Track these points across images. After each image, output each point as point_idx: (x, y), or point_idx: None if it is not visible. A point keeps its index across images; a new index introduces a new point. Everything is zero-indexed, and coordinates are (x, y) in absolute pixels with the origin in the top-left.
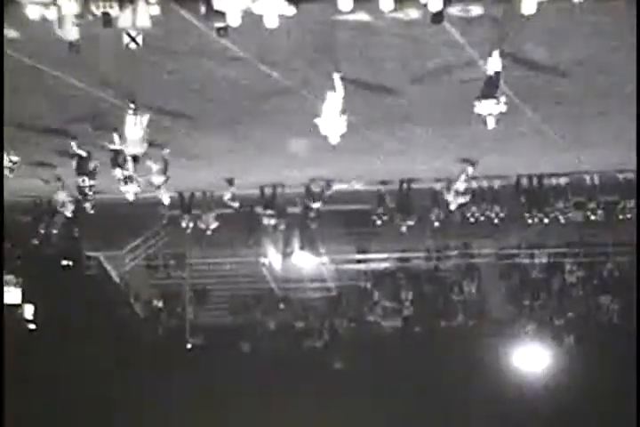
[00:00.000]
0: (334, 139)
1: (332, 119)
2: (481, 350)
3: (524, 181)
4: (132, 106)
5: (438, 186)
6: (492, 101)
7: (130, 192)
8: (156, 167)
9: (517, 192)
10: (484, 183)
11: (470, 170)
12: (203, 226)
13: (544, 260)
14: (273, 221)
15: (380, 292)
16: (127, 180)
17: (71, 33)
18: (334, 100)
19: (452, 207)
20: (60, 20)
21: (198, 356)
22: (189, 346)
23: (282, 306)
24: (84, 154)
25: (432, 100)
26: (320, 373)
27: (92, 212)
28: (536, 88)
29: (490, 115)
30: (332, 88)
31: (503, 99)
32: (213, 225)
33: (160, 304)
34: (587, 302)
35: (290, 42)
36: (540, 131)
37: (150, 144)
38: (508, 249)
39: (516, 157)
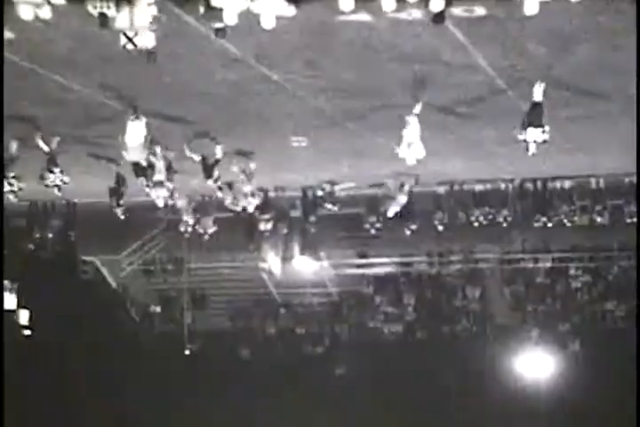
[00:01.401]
0: (411, 162)
1: (410, 145)
2: (484, 356)
3: (528, 185)
4: (131, 111)
5: (441, 189)
6: (538, 130)
7: (160, 197)
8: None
9: (521, 196)
10: (488, 186)
11: (409, 184)
12: (201, 230)
13: (548, 264)
14: (271, 226)
15: (381, 297)
16: (156, 185)
17: (148, 40)
18: (411, 128)
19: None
20: (136, 28)
21: (196, 362)
22: (187, 352)
23: (282, 311)
24: None
25: (434, 102)
26: (321, 379)
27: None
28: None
29: (534, 142)
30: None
31: (547, 127)
32: (212, 229)
33: (157, 309)
34: (592, 307)
35: (290, 43)
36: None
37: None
38: (511, 253)
39: (519, 159)
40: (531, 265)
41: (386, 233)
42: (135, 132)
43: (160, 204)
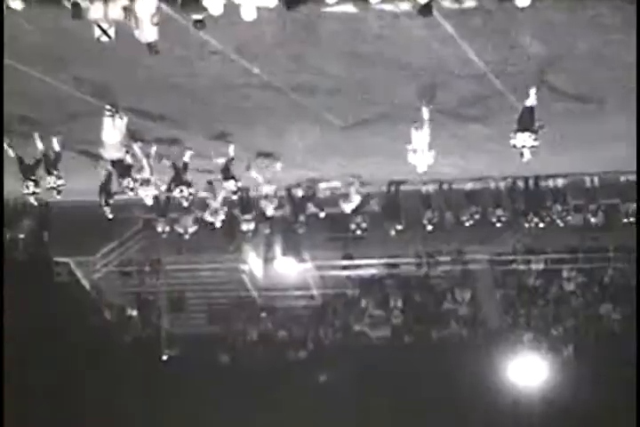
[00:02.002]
0: (421, 169)
1: (420, 152)
2: (475, 361)
3: (520, 183)
4: (108, 108)
5: (430, 188)
6: (527, 135)
7: (148, 196)
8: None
9: (513, 195)
10: (478, 185)
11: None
12: (180, 230)
13: (541, 266)
14: (253, 226)
15: (367, 300)
16: (144, 183)
17: (150, 34)
18: (422, 134)
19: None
20: (137, 21)
21: (174, 368)
22: (165, 357)
23: (263, 315)
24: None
25: (423, 98)
26: (304, 386)
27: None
28: (531, 83)
29: (524, 147)
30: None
31: (538, 133)
32: (192, 229)
33: (134, 313)
34: (586, 310)
35: (272, 35)
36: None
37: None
38: (503, 255)
39: (510, 157)
40: (523, 267)
41: (372, 233)
42: (112, 128)
43: (149, 202)
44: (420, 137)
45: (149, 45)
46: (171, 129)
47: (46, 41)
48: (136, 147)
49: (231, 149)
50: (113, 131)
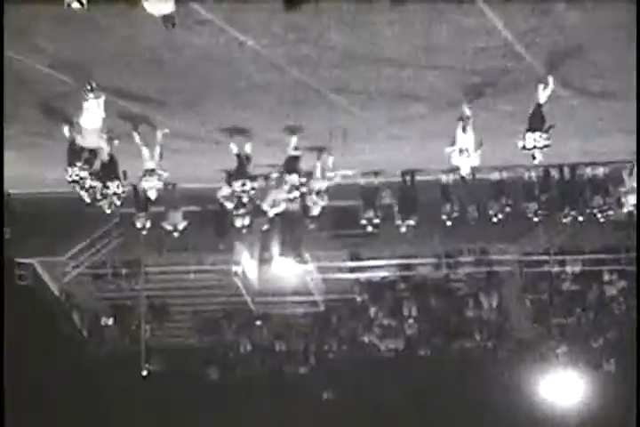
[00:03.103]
0: (465, 171)
1: (465, 153)
2: (501, 378)
3: (555, 173)
4: (88, 87)
5: (450, 178)
6: (537, 135)
7: (153, 189)
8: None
9: (546, 186)
10: (506, 175)
11: (330, 162)
12: (169, 227)
13: (578, 268)
14: (247, 222)
15: (377, 307)
16: (147, 174)
17: (166, 6)
18: (468, 134)
19: (314, 212)
20: None
21: (156, 385)
22: (145, 373)
23: (258, 324)
24: None
25: (441, 74)
26: (305, 405)
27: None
28: (564, 55)
29: (535, 148)
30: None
31: (549, 132)
32: (182, 225)
33: (109, 322)
34: (630, 319)
35: (267, 2)
36: (573, 110)
37: None
38: (534, 255)
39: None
40: (557, 268)
41: (384, 230)
42: (91, 112)
43: (152, 196)
44: (466, 136)
45: (165, 18)
46: (150, 110)
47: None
48: (135, 134)
49: (293, 141)
50: (92, 114)
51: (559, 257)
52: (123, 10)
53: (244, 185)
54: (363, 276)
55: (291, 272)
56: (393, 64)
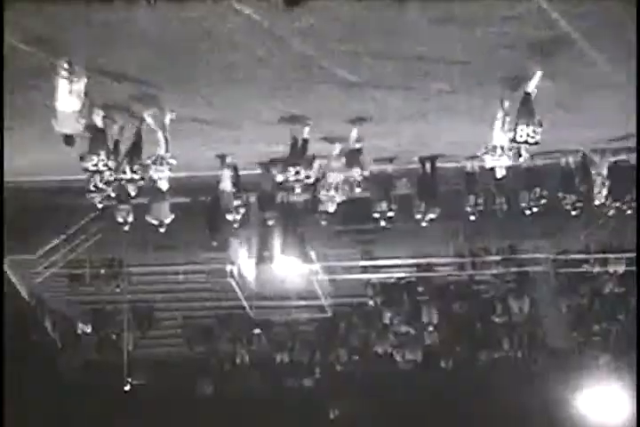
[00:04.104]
0: (500, 173)
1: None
2: (534, 392)
3: (595, 158)
4: (65, 66)
5: (475, 165)
6: (530, 128)
7: (164, 179)
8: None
9: (587, 174)
10: (539, 162)
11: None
12: (154, 221)
13: (622, 268)
14: (243, 214)
15: (392, 312)
16: (157, 161)
17: None
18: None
19: (330, 209)
20: None
21: (140, 400)
22: (128, 387)
23: (257, 332)
24: None
25: (464, 45)
26: (309, 423)
27: None
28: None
29: (526, 143)
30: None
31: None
32: (168, 219)
33: (87, 329)
34: None
35: None
36: (615, 85)
37: None
38: (571, 253)
39: (584, 123)
40: (598, 269)
41: (399, 224)
42: (69, 93)
43: (164, 187)
44: (504, 134)
45: None
46: (131, 90)
47: None
48: (147, 115)
49: (354, 133)
50: (69, 96)
51: (600, 255)
52: None
53: (297, 173)
54: (376, 277)
55: (294, 273)
56: (407, 36)
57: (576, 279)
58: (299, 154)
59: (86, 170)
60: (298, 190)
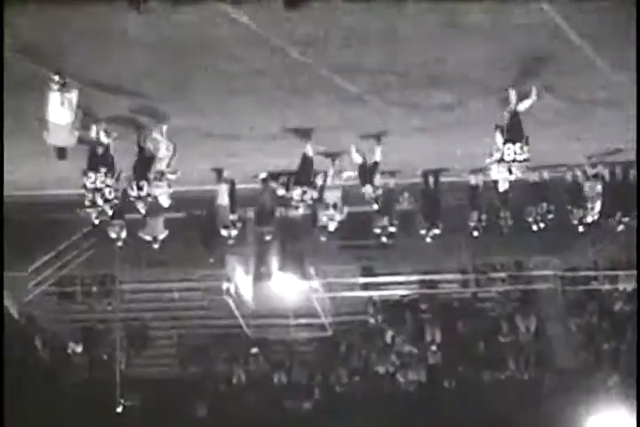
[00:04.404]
0: (503, 186)
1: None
2: (542, 414)
3: (605, 172)
4: (55, 78)
5: (479, 179)
6: (517, 146)
7: (163, 195)
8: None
9: (592, 188)
10: (547, 175)
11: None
12: (148, 237)
13: (631, 285)
14: (237, 231)
15: (394, 331)
16: (156, 177)
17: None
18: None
19: (330, 228)
20: None
21: (133, 423)
22: (120, 409)
23: (254, 351)
24: None
25: (473, 56)
26: None
27: None
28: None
29: (514, 161)
30: None
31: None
32: (162, 235)
33: (78, 349)
34: None
35: None
36: (621, 96)
37: None
38: (579, 270)
39: (593, 135)
40: (607, 286)
41: (402, 240)
42: (61, 105)
43: (165, 204)
44: (508, 146)
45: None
46: (131, 103)
47: None
48: (156, 133)
49: (378, 153)
50: (61, 108)
51: (610, 272)
52: None
53: (304, 193)
54: (377, 294)
55: (292, 290)
56: (409, 45)
57: (584, 297)
58: (305, 173)
59: (85, 187)
60: (300, 210)
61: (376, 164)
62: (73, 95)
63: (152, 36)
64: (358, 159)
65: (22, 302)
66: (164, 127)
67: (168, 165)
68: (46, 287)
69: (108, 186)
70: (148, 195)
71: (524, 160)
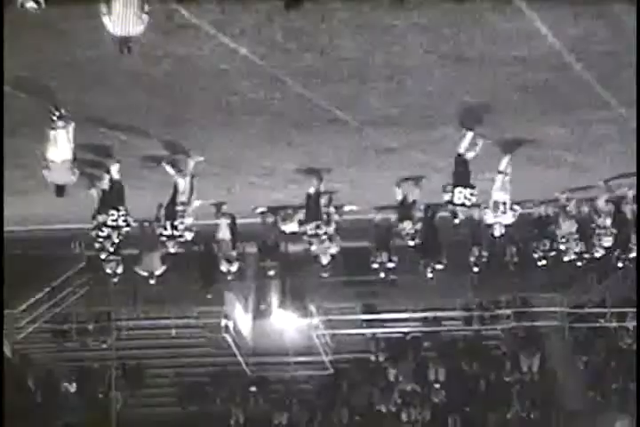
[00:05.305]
0: (498, 232)
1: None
2: None
3: (611, 204)
4: (55, 113)
5: (482, 213)
6: (467, 191)
7: (185, 226)
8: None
9: (596, 222)
10: (552, 208)
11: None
12: (144, 273)
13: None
14: (239, 265)
15: (397, 369)
16: (180, 209)
17: (134, 25)
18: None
19: (324, 261)
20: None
21: None
22: None
23: (253, 390)
24: None
25: (473, 89)
26: None
27: None
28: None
29: (463, 206)
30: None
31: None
32: (159, 270)
33: (72, 388)
34: None
35: (265, 2)
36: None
37: None
38: (586, 307)
39: (599, 165)
40: (614, 323)
41: (403, 276)
42: (60, 141)
43: (188, 237)
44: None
45: (123, 41)
46: (124, 136)
47: None
48: (167, 166)
49: (417, 192)
50: (61, 144)
51: (617, 309)
52: (85, 13)
53: (318, 227)
54: (379, 331)
55: (292, 327)
56: (416, 75)
57: (592, 335)
58: (315, 208)
59: (104, 224)
60: (314, 246)
61: (414, 202)
62: (70, 130)
63: (149, 68)
64: (399, 196)
65: (15, 340)
66: (192, 162)
67: (188, 201)
68: (40, 325)
69: (128, 224)
70: (181, 235)
71: (473, 206)
